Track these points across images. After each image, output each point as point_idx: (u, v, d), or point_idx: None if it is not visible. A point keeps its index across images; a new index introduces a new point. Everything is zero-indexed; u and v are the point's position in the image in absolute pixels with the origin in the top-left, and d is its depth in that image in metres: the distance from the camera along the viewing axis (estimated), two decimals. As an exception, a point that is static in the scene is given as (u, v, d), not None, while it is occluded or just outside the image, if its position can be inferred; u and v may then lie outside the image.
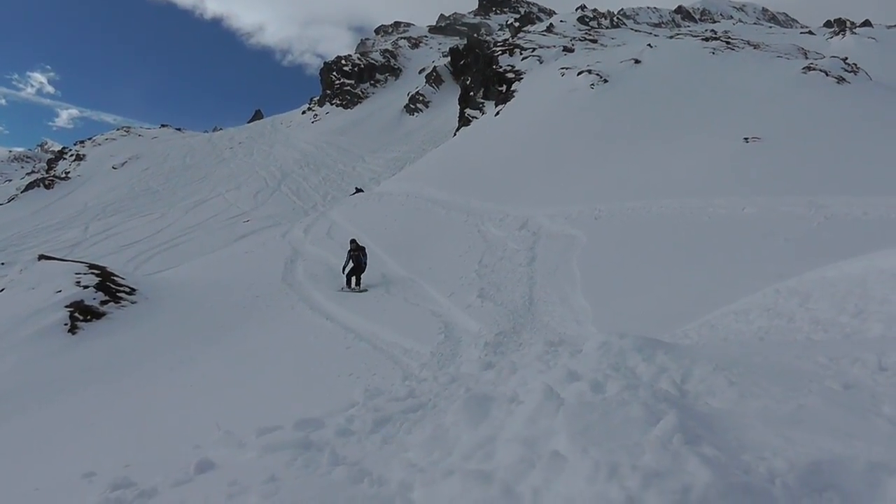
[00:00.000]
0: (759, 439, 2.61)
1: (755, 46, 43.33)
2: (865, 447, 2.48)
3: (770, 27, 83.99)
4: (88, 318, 16.67)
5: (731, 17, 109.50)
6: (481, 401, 3.68)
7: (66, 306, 16.81)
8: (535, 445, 2.84)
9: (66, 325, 16.21)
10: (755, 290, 8.13)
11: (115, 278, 19.02)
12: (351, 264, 17.60)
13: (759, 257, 12.27)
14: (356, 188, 43.05)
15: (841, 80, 30.46)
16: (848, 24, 74.32)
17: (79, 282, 18.16)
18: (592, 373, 3.68)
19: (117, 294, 18.09)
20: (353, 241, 18.15)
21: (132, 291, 18.51)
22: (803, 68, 32.12)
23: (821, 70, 31.36)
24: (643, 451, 2.44)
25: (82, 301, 17.14)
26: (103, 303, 17.43)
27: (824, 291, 6.37)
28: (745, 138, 21.74)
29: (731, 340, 5.27)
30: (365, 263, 17.59)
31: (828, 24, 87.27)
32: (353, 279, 17.37)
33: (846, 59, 35.11)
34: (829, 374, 3.43)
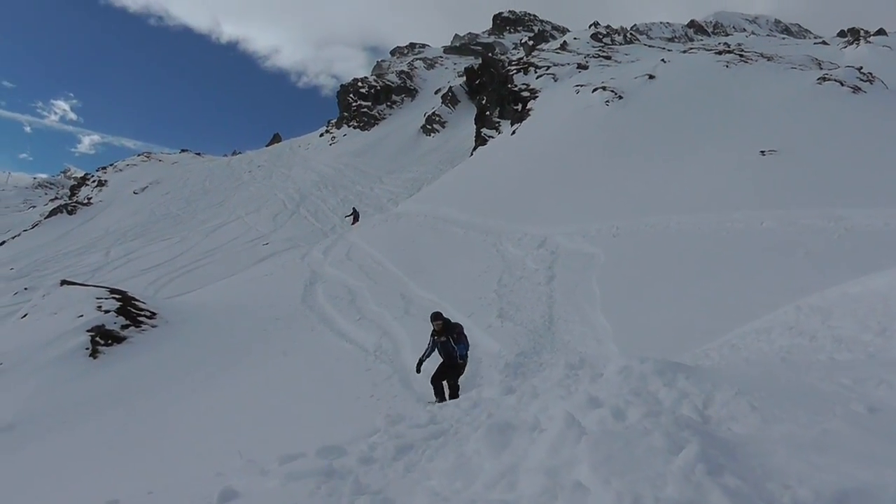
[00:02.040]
0: (783, 466, 2.57)
1: (769, 58, 43.19)
2: (894, 475, 2.44)
3: (783, 38, 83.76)
4: (109, 342, 16.80)
5: (744, 30, 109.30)
6: (503, 428, 3.66)
7: (88, 331, 16.95)
8: (558, 475, 2.82)
9: (87, 349, 16.34)
10: (776, 307, 8.06)
11: (135, 302, 19.15)
12: (435, 356, 11.06)
13: (780, 272, 12.16)
14: (353, 208, 43.91)
15: (857, 89, 30.28)
16: (862, 33, 73.85)
17: (100, 306, 18.30)
18: (614, 399, 3.65)
19: (138, 318, 18.21)
20: (437, 318, 11.01)
21: (153, 315, 18.63)
22: (818, 79, 31.94)
23: (836, 80, 31.18)
24: (666, 482, 2.41)
25: (103, 325, 17.26)
26: (124, 327, 17.56)
27: (846, 308, 6.31)
28: (762, 151, 21.63)
29: (752, 361, 5.21)
30: (463, 356, 10.77)
31: (841, 34, 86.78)
32: (445, 384, 10.72)
33: (861, 68, 34.86)
34: (854, 396, 3.39)
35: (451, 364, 10.88)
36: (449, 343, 10.89)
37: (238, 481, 4.67)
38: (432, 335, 11.13)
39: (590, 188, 23.37)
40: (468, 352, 11.16)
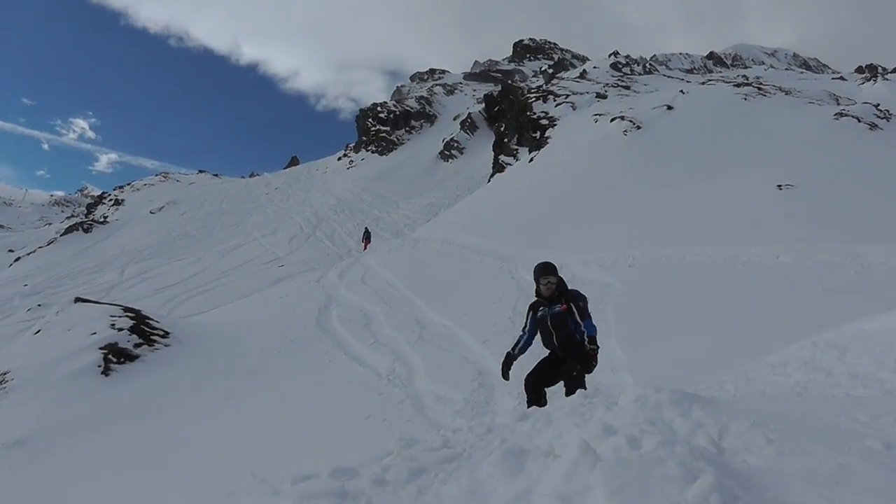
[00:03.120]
0: (798, 500, 2.58)
1: (787, 92, 43.22)
2: (909, 511, 2.44)
3: (801, 73, 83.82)
4: (122, 360, 16.88)
5: (763, 63, 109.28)
6: (517, 454, 3.67)
7: (101, 348, 17.04)
8: (572, 501, 2.83)
9: (99, 366, 16.41)
10: (792, 342, 8.03)
11: (149, 321, 19.26)
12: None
13: (796, 307, 12.10)
14: (365, 228, 44.00)
15: (873, 126, 30.26)
16: (879, 69, 73.79)
17: (113, 324, 18.41)
18: (629, 427, 3.66)
19: (151, 337, 18.30)
20: (548, 271, 7.81)
21: (166, 334, 18.71)
22: (835, 114, 31.94)
23: (853, 116, 31.17)
24: (681, 511, 2.43)
25: (116, 343, 17.36)
26: (137, 345, 17.65)
27: (863, 345, 6.29)
28: (779, 185, 21.61)
29: (768, 395, 5.21)
30: (593, 337, 7.44)
31: (859, 70, 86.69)
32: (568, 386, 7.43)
33: (878, 105, 34.87)
34: (870, 432, 3.39)
35: (567, 353, 7.44)
36: (566, 317, 7.49)
37: (250, 501, 4.69)
38: (532, 308, 7.82)
39: (607, 217, 23.39)
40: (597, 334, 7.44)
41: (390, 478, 4.38)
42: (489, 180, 50.17)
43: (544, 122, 46.52)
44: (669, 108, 38.16)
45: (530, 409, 7.00)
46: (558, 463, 3.22)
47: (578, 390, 6.49)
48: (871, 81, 54.06)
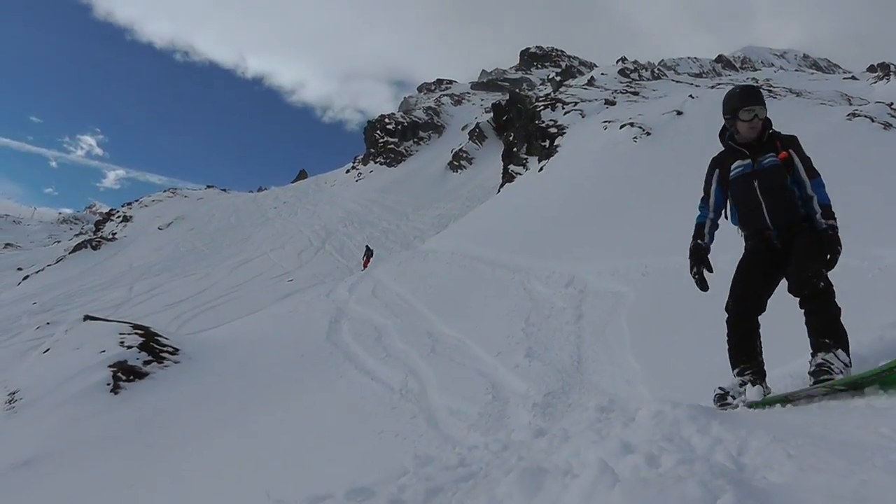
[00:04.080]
0: (821, 517, 2.57)
1: (797, 94, 43.16)
2: (934, 528, 2.42)
3: (812, 74, 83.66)
4: (131, 378, 16.95)
5: (772, 65, 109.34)
6: (535, 473, 3.67)
7: (110, 366, 17.13)
8: (591, 523, 2.83)
9: (108, 385, 16.50)
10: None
11: (158, 338, 19.33)
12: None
13: (813, 313, 12.00)
14: (366, 246, 43.38)
15: (887, 126, 30.04)
16: (892, 67, 73.48)
17: (122, 342, 18.49)
18: (646, 444, 3.65)
19: (160, 354, 18.37)
20: (752, 98, 5.56)
21: (175, 351, 18.77)
22: (847, 115, 31.74)
23: (865, 116, 30.95)
24: (702, 532, 2.42)
25: (125, 361, 17.43)
26: (146, 363, 17.72)
27: (883, 353, 6.25)
28: (793, 189, 21.53)
29: (788, 407, 5.19)
30: (826, 206, 5.26)
31: (871, 69, 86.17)
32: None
33: (892, 104, 34.68)
34: (894, 446, 3.36)
35: (789, 237, 5.26)
36: (784, 173, 5.21)
37: (266, 522, 4.70)
38: (718, 164, 5.73)
39: (618, 225, 23.33)
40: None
41: (407, 498, 4.39)
42: (499, 190, 50.18)
43: (553, 130, 46.54)
44: (679, 113, 38.11)
45: (743, 375, 5.29)
46: (577, 483, 3.22)
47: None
48: (884, 80, 53.93)
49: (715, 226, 6.01)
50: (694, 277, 5.77)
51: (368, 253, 41.35)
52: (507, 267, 22.82)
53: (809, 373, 4.90)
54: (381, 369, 15.61)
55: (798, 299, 5.07)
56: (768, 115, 5.76)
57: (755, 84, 50.49)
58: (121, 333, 19.34)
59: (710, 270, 5.74)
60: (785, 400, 5.00)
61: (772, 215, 5.20)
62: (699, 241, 5.95)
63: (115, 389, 16.40)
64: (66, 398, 16.00)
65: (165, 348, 18.83)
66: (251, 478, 10.67)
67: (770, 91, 43.11)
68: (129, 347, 18.20)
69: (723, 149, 5.64)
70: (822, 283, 4.82)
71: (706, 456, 3.41)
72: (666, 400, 4.44)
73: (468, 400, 12.13)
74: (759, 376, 5.40)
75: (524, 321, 16.62)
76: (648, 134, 35.17)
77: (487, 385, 12.77)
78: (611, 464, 3.28)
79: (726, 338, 5.59)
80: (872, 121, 30.40)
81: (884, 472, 2.93)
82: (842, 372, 4.69)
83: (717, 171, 5.67)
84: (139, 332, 19.65)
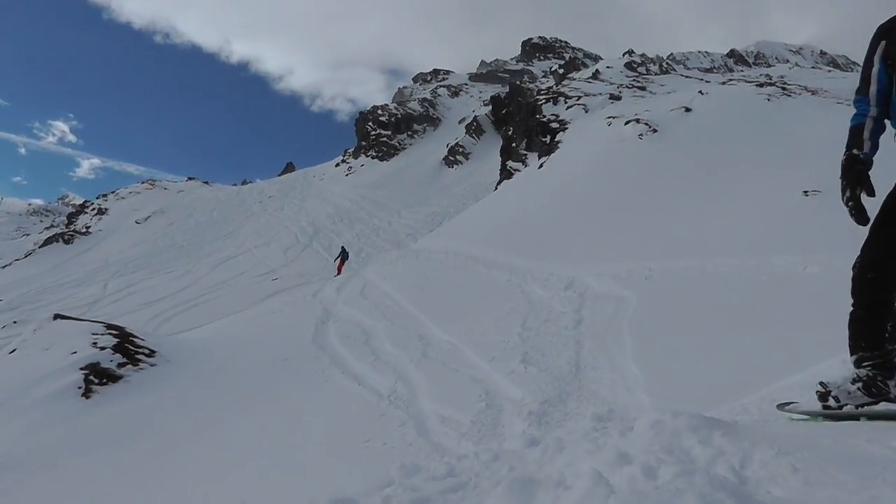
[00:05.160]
0: (827, 535, 2.56)
1: (813, 92, 43.16)
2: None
3: (829, 71, 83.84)
4: (104, 381, 16.81)
5: (787, 61, 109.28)
6: (526, 484, 3.65)
7: (82, 368, 16.97)
8: (584, 537, 2.81)
9: (79, 388, 16.34)
10: (821, 359, 7.99)
11: (134, 339, 19.23)
12: None
13: (825, 321, 11.94)
14: (342, 247, 41.19)
15: (909, 127, 30.10)
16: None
17: (95, 342, 18.35)
18: (644, 455, 3.64)
19: (136, 356, 18.26)
20: None
21: (152, 353, 18.67)
22: (867, 116, 31.78)
23: (886, 117, 30.99)
24: (700, 548, 2.40)
25: (98, 363, 17.30)
26: (121, 365, 17.58)
27: (896, 363, 6.26)
28: (805, 191, 21.53)
29: (795, 418, 5.18)
30: None
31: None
32: None
33: (915, 105, 34.72)
34: (906, 461, 3.36)
35: None
36: None
37: (242, 533, 4.69)
38: (887, 34, 4.30)
39: (621, 227, 23.35)
40: None
41: (391, 509, 4.36)
42: (496, 187, 50.26)
43: (555, 125, 46.57)
44: (687, 109, 38.14)
45: (861, 367, 4.23)
46: (569, 495, 3.20)
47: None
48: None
49: (880, 127, 4.46)
50: (847, 205, 4.29)
51: (343, 255, 39.98)
52: (503, 268, 22.83)
53: None
54: (370, 374, 15.60)
55: None
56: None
57: (769, 80, 50.51)
58: (94, 334, 19.22)
59: (872, 193, 4.22)
60: None
61: None
62: (856, 150, 4.39)
63: (87, 393, 16.27)
64: (33, 402, 15.85)
65: (141, 350, 18.73)
66: (229, 489, 10.65)
67: (784, 89, 43.19)
68: (103, 349, 18.08)
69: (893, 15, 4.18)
70: None
71: (707, 468, 3.39)
72: (666, 409, 4.43)
73: (460, 407, 12.13)
74: (883, 372, 4.13)
75: (521, 325, 16.62)
76: (655, 131, 35.18)
77: (481, 392, 12.77)
78: (606, 475, 3.26)
79: (850, 311, 4.47)
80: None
81: (894, 488, 2.92)
82: None
83: (883, 43, 4.24)
84: (113, 332, 19.55)
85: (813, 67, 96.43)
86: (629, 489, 3.04)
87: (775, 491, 3.09)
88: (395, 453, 10.59)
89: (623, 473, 3.42)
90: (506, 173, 51.83)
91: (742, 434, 4.00)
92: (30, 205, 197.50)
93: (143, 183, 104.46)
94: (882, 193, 4.51)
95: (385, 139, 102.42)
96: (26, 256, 70.62)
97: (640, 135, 35.19)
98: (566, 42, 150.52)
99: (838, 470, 3.23)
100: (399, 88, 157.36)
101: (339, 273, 35.48)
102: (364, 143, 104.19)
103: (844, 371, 4.60)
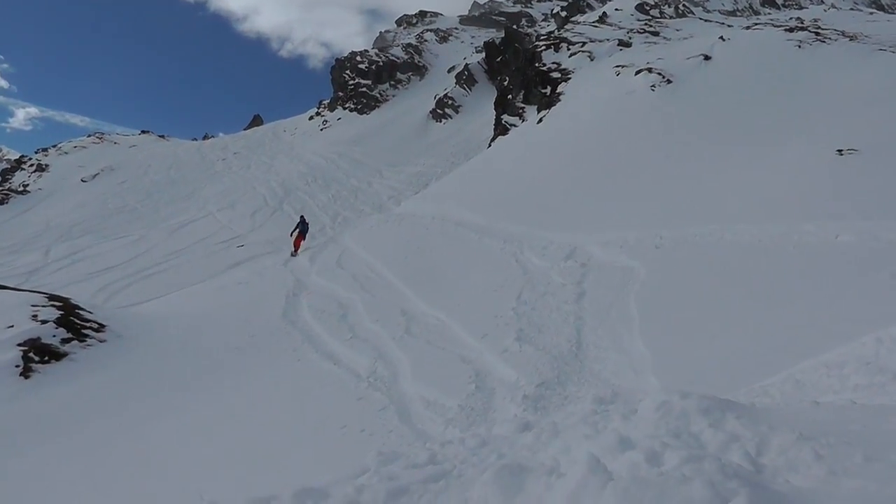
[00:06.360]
0: (851, 528, 2.56)
1: (851, 38, 42.90)
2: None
3: (871, 13, 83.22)
4: (46, 359, 16.70)
5: (822, 2, 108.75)
6: (515, 471, 3.65)
7: (19, 344, 16.84)
8: (578, 530, 2.81)
9: (17, 366, 16.22)
10: (852, 338, 8.01)
11: (80, 312, 19.12)
12: None
13: (858, 295, 12.02)
14: (301, 217, 34.80)
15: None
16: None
17: (35, 316, 18.23)
18: (648, 440, 3.64)
19: (82, 331, 18.14)
20: None
21: (101, 328, 18.57)
22: (912, 63, 31.66)
23: (934, 65, 30.86)
24: (707, 541, 2.41)
25: (39, 339, 17.18)
26: (65, 341, 17.46)
27: None
28: (839, 150, 21.48)
29: (820, 402, 5.19)
30: None
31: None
32: None
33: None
34: (941, 447, 3.37)
35: None
36: None
37: (197, 527, 4.68)
38: None
39: (629, 190, 23.31)
40: None
41: (365, 500, 4.37)
42: (490, 145, 50.09)
43: (556, 75, 46.32)
44: (707, 58, 37.98)
45: None
46: (563, 482, 3.20)
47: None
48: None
49: None
50: None
51: (302, 227, 32.53)
52: (496, 235, 22.81)
53: None
54: (346, 353, 15.61)
55: None
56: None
57: (800, 24, 50.34)
58: (33, 306, 19.10)
59: None
60: None
61: None
62: None
63: (26, 372, 16.19)
64: (-38, 382, 15.81)
65: (89, 324, 18.64)
66: (187, 477, 10.65)
67: (818, 34, 42.99)
68: (44, 322, 17.98)
69: None
70: None
71: (718, 454, 3.39)
72: (673, 390, 4.43)
73: (447, 390, 12.15)
74: None
75: (515, 299, 16.63)
76: (669, 82, 35.06)
77: (470, 373, 12.79)
78: (604, 461, 3.26)
79: None
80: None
81: (927, 477, 2.93)
82: None
83: None
84: (56, 304, 19.45)
85: (852, 9, 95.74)
86: (630, 476, 3.03)
87: (795, 480, 3.09)
88: (373, 441, 10.61)
89: (624, 459, 3.42)
90: (500, 129, 51.58)
91: (759, 417, 4.00)
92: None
93: (89, 136, 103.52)
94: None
95: (365, 90, 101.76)
96: (-47, 219, 70.15)
97: (653, 86, 35.07)
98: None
99: (867, 459, 3.22)
100: (381, 32, 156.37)
101: (295, 251, 31.47)
102: (341, 93, 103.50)
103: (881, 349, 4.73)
